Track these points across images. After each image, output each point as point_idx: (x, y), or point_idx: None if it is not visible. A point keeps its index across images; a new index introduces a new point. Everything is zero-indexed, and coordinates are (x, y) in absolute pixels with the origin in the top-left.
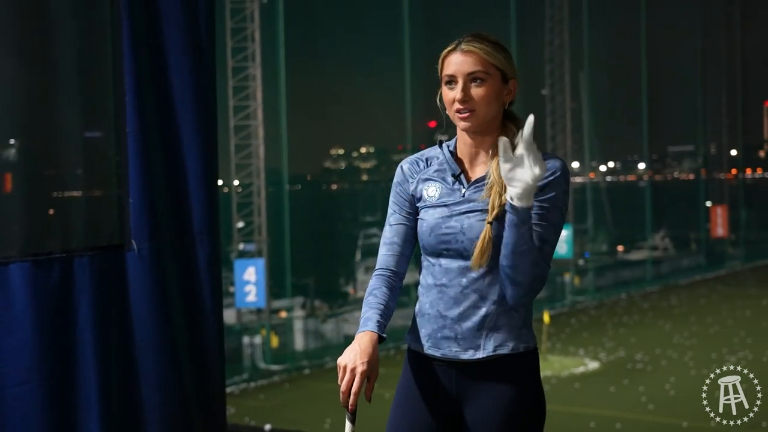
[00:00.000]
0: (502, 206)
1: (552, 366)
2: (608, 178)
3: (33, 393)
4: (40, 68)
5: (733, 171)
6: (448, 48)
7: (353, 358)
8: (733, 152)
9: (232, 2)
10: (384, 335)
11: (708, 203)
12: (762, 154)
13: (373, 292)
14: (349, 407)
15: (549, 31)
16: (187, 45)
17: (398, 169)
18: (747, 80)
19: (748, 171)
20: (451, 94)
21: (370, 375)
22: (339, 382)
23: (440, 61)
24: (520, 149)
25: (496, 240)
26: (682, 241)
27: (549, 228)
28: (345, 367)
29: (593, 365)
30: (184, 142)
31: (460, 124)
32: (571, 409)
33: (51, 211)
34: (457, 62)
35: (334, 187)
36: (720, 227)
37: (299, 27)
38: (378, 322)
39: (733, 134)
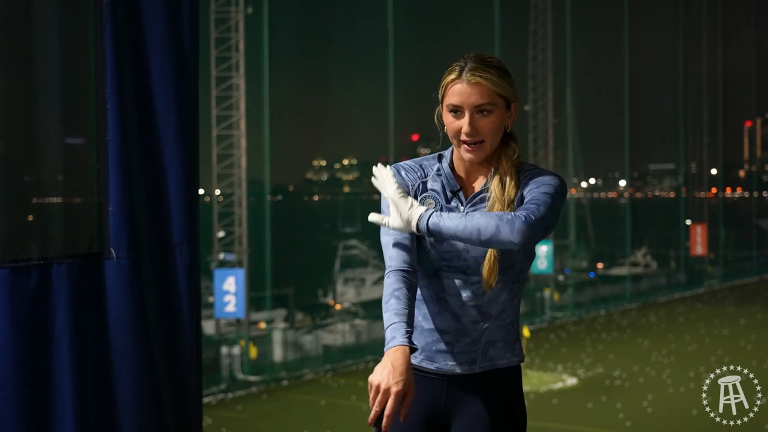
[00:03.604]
0: None
1: (530, 381)
2: (589, 195)
3: (8, 400)
4: (21, 73)
5: (713, 190)
6: (452, 76)
7: (386, 377)
8: (714, 171)
9: (216, 12)
10: (415, 346)
11: (688, 222)
12: (742, 173)
13: (394, 293)
14: (383, 429)
15: (532, 46)
16: (170, 53)
17: (395, 172)
18: (728, 100)
19: (728, 190)
20: (456, 124)
21: (405, 394)
22: (370, 401)
23: (442, 87)
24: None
25: (501, 258)
26: (662, 259)
27: (542, 198)
28: (378, 387)
29: (571, 381)
30: (166, 150)
31: (466, 156)
32: (549, 424)
33: (30, 218)
34: (463, 93)
35: (316, 198)
36: (699, 246)
37: (283, 38)
38: (406, 332)
39: (713, 153)
